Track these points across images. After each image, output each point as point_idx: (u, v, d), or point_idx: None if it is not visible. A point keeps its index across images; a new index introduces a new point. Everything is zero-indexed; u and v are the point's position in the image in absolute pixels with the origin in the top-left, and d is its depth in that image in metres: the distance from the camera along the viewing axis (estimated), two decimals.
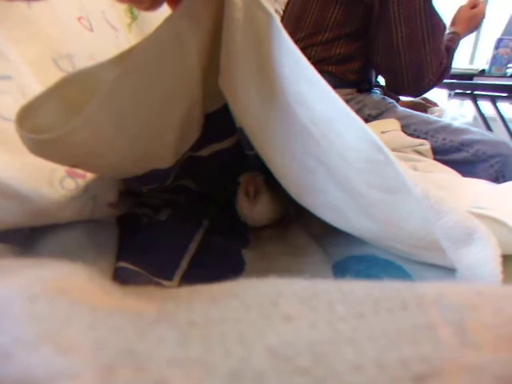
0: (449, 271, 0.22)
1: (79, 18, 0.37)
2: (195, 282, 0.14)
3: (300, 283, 0.12)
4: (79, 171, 0.29)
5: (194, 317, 0.11)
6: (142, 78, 0.21)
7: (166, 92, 0.24)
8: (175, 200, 0.43)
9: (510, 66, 1.43)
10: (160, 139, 0.27)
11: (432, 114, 1.03)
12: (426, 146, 0.66)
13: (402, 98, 1.09)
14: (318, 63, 0.83)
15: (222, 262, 0.32)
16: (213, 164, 0.38)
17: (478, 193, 0.31)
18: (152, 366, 0.09)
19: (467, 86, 1.50)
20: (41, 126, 0.21)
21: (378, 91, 0.93)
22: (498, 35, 1.51)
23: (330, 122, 0.20)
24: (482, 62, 1.64)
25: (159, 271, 0.28)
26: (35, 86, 0.29)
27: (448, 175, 0.47)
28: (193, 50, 0.22)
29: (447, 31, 0.85)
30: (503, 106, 1.54)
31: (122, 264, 0.27)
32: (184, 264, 0.30)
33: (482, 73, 1.50)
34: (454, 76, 1.41)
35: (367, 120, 0.80)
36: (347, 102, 0.82)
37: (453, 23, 0.90)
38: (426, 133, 0.75)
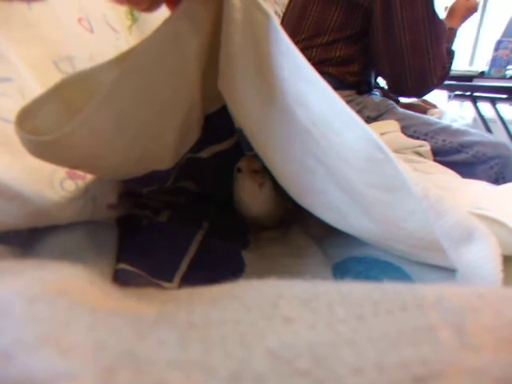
0: (449, 273, 0.22)
1: (79, 20, 0.37)
2: (195, 283, 0.14)
3: (300, 285, 0.12)
4: (79, 173, 0.29)
5: (194, 318, 0.11)
6: (142, 78, 0.21)
7: (166, 93, 0.24)
8: (175, 201, 0.43)
9: (509, 67, 1.44)
10: (160, 140, 0.27)
11: (432, 115, 1.03)
12: (426, 147, 0.66)
13: (402, 100, 1.09)
14: (318, 65, 0.83)
15: (222, 263, 0.32)
16: (213, 165, 0.38)
17: (478, 194, 0.31)
18: (152, 368, 0.09)
19: (467, 87, 1.50)
20: (40, 128, 0.21)
21: (377, 93, 0.94)
22: (498, 37, 1.51)
23: (329, 121, 0.20)
24: (482, 63, 1.65)
25: (159, 273, 0.28)
26: (36, 88, 0.29)
27: (448, 176, 0.47)
28: (192, 51, 0.22)
29: None
30: (503, 107, 1.54)
31: (122, 265, 0.27)
32: (184, 266, 0.30)
33: (482, 74, 1.51)
34: (454, 78, 1.41)
35: (367, 121, 0.80)
36: (347, 103, 0.82)
37: (449, 14, 0.90)
38: (426, 134, 0.75)
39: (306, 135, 0.22)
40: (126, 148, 0.25)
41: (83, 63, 0.34)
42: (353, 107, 0.82)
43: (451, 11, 0.91)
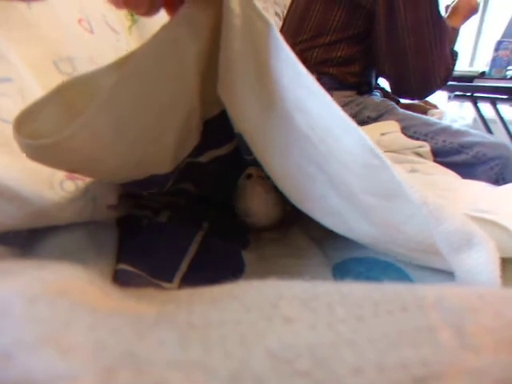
0: (449, 274, 0.22)
1: (79, 20, 0.37)
2: (195, 284, 0.14)
3: (300, 285, 0.13)
4: None
5: (194, 319, 0.11)
6: (141, 84, 0.21)
7: (165, 98, 0.24)
8: (175, 202, 0.43)
9: (510, 68, 1.44)
10: (159, 144, 0.27)
11: (432, 116, 1.03)
12: (426, 147, 0.66)
13: (402, 100, 1.09)
14: (320, 65, 0.83)
15: (221, 263, 0.32)
16: (212, 170, 0.38)
17: (478, 195, 0.31)
18: (152, 369, 0.09)
19: (467, 88, 1.50)
20: (39, 132, 0.21)
21: (377, 93, 0.94)
22: (498, 37, 1.51)
23: (328, 127, 0.20)
24: (482, 64, 1.65)
25: (159, 273, 0.28)
26: (36, 89, 0.29)
27: (448, 177, 0.47)
28: (191, 56, 0.22)
29: None
30: (503, 108, 1.54)
31: (122, 266, 0.27)
32: (184, 266, 0.30)
33: (482, 75, 1.50)
34: (454, 78, 1.41)
35: (367, 122, 0.80)
36: (347, 104, 0.83)
37: (451, 14, 0.90)
38: (426, 135, 0.75)
39: (304, 140, 0.22)
40: (125, 152, 0.25)
41: (83, 64, 0.34)
42: (353, 107, 0.82)
43: (453, 10, 0.90)
